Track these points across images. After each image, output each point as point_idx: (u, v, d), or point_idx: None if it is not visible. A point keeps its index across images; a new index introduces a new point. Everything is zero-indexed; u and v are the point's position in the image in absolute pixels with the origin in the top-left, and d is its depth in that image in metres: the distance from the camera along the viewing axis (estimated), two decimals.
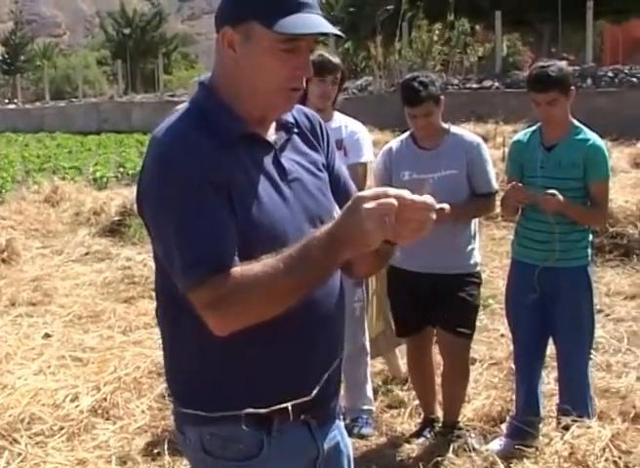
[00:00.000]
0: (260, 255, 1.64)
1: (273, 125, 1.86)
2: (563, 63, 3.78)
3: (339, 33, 1.79)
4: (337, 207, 1.86)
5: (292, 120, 1.90)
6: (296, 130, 1.90)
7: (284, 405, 1.79)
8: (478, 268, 3.98)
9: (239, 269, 1.64)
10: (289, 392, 1.81)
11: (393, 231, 1.55)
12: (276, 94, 1.76)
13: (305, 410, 1.84)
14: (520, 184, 3.71)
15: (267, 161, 1.80)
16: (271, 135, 1.85)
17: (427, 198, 1.58)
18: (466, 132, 4.10)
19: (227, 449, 1.81)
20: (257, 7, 1.71)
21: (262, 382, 1.79)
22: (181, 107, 1.84)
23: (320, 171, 1.91)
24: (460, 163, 3.83)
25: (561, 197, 3.56)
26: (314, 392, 1.82)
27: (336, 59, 4.11)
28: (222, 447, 1.81)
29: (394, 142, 4.06)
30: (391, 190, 1.57)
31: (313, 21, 1.71)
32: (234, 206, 1.70)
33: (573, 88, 3.65)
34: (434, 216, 1.58)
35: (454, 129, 3.95)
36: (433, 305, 3.88)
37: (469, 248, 3.91)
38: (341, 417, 2.03)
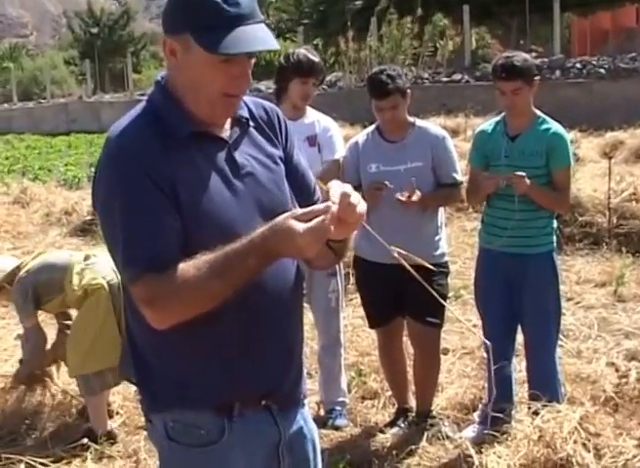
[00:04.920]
0: (208, 249, 1.68)
1: (228, 120, 1.87)
2: (527, 55, 3.85)
3: (273, 48, 1.72)
4: (294, 199, 1.90)
5: (246, 114, 1.90)
6: (252, 123, 1.90)
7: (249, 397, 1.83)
8: (445, 258, 4.02)
9: (176, 267, 1.68)
10: (252, 383, 1.84)
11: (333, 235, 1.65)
12: (216, 101, 1.78)
13: (266, 396, 1.87)
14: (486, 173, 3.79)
15: (220, 157, 1.82)
16: (225, 130, 1.86)
17: (342, 188, 1.66)
18: (432, 125, 4.14)
19: (190, 436, 1.84)
20: (192, 22, 1.71)
21: (221, 374, 1.82)
22: (139, 105, 1.85)
23: (276, 164, 1.91)
24: (425, 155, 3.87)
25: (527, 180, 3.62)
26: (283, 384, 1.86)
27: (319, 60, 4.10)
28: (185, 433, 1.84)
29: (360, 136, 4.09)
30: (320, 206, 1.65)
31: (249, 37, 1.70)
32: (181, 202, 1.73)
33: (536, 78, 3.72)
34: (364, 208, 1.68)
35: (419, 122, 3.99)
36: (402, 296, 3.91)
37: (436, 238, 3.94)
38: (304, 404, 2.04)
